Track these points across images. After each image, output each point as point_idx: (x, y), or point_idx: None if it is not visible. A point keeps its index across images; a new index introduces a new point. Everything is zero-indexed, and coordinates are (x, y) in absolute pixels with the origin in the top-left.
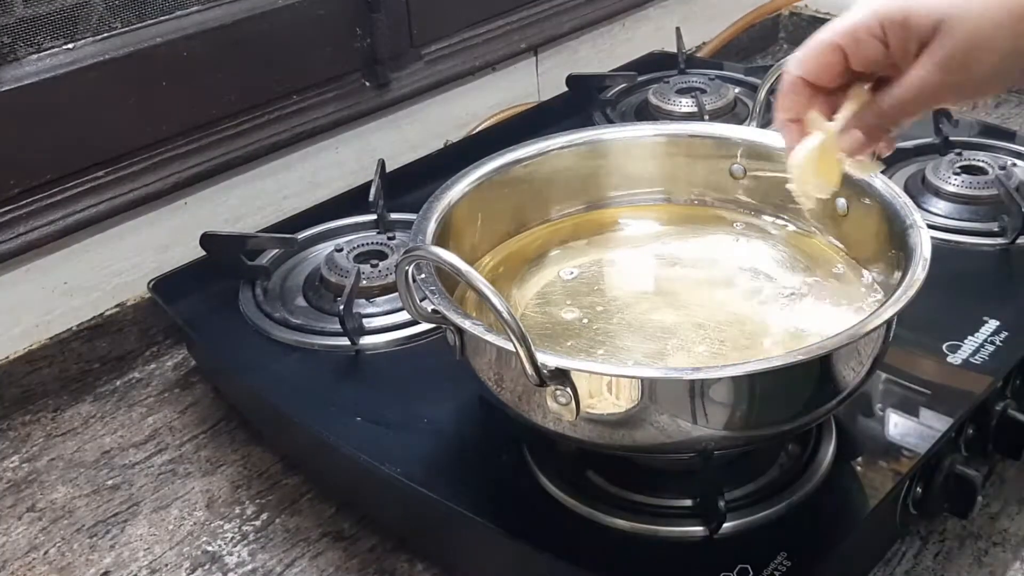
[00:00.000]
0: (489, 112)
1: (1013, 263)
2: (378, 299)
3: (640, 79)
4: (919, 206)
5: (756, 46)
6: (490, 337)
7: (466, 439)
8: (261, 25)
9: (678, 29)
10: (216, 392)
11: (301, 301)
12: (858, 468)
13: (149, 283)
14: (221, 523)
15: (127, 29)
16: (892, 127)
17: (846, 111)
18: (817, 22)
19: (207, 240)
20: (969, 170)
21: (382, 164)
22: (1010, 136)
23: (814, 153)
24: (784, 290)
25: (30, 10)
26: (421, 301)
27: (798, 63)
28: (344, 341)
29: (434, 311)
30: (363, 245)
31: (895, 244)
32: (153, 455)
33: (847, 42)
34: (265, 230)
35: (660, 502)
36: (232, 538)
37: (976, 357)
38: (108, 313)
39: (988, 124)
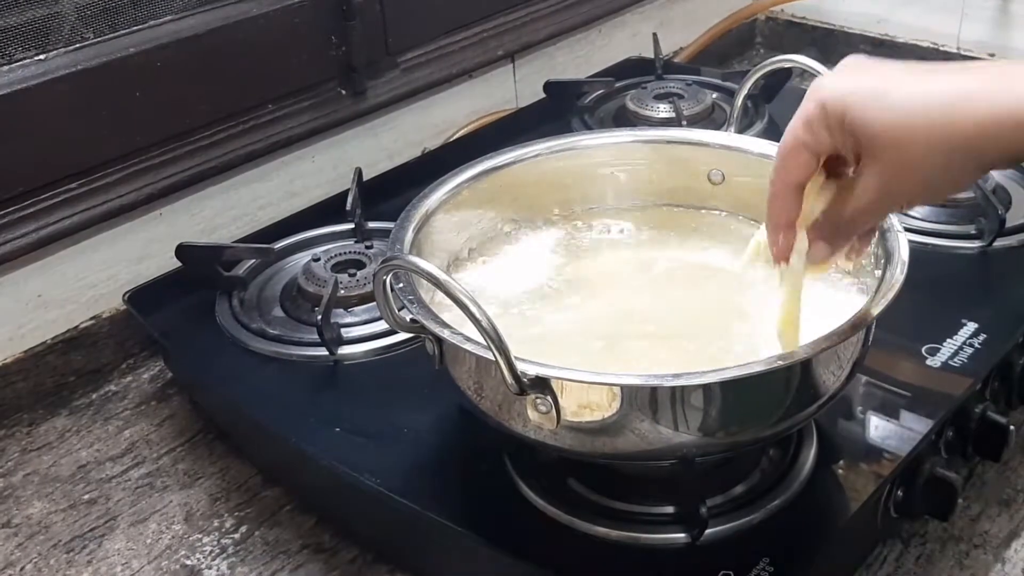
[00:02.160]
0: (466, 119)
1: (990, 265)
2: (356, 308)
3: (617, 85)
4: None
5: (733, 51)
6: (469, 346)
7: (446, 449)
8: (235, 34)
9: (655, 35)
10: (193, 404)
11: (278, 311)
12: (839, 472)
13: (124, 295)
14: (200, 536)
15: (99, 40)
16: (851, 236)
17: (805, 207)
18: (794, 27)
19: (182, 251)
20: None
21: (359, 172)
22: None
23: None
24: (762, 294)
25: (1, 21)
26: (399, 310)
27: (776, 172)
28: (322, 351)
29: (413, 320)
30: (340, 254)
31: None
32: (130, 469)
33: (809, 136)
34: (241, 240)
35: (642, 509)
36: (211, 551)
37: (955, 360)
38: (83, 326)
39: None
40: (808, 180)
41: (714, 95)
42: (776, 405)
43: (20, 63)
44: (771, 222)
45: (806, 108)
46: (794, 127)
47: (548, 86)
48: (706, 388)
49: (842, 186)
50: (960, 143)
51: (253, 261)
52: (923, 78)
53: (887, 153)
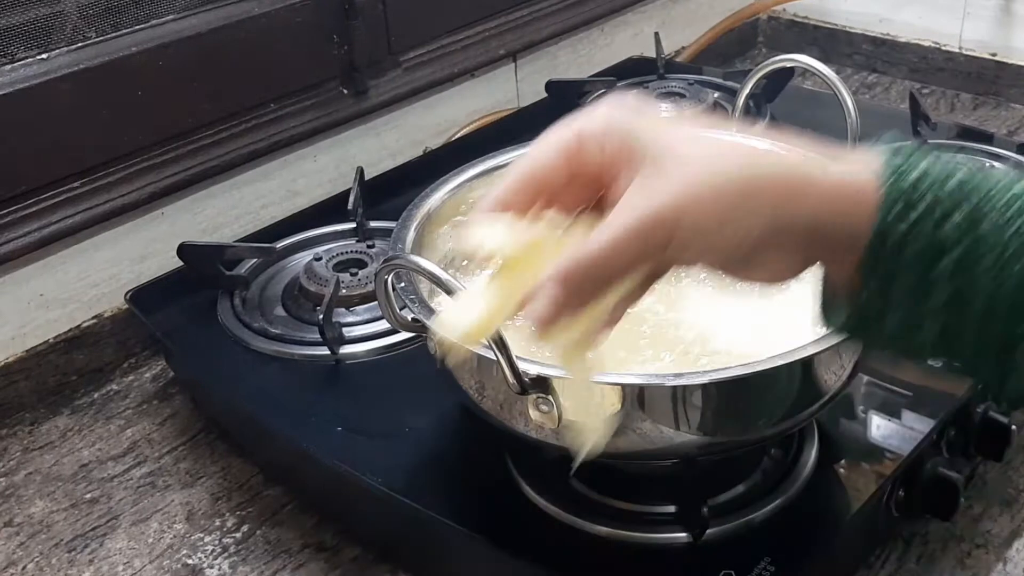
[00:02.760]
0: (468, 119)
1: None
2: (358, 308)
3: (619, 84)
4: None
5: (735, 50)
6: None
7: (448, 448)
8: (237, 33)
9: (657, 34)
10: (195, 403)
11: (280, 311)
12: (841, 471)
13: (126, 294)
14: (201, 536)
15: (101, 39)
16: (592, 293)
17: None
18: (795, 26)
19: (184, 250)
20: None
21: (361, 172)
22: (988, 138)
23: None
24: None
25: (3, 20)
26: (401, 310)
27: (529, 156)
28: (324, 351)
29: (414, 320)
30: (342, 254)
31: None
32: (132, 468)
33: (575, 143)
34: (243, 239)
35: (643, 509)
36: (212, 551)
37: None
38: (85, 325)
39: (966, 126)
40: (546, 182)
41: (716, 94)
42: (777, 405)
43: (22, 62)
44: (489, 198)
45: (581, 121)
46: (559, 132)
47: (550, 85)
48: (707, 388)
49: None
50: (757, 165)
51: (255, 260)
52: (715, 132)
53: (672, 166)
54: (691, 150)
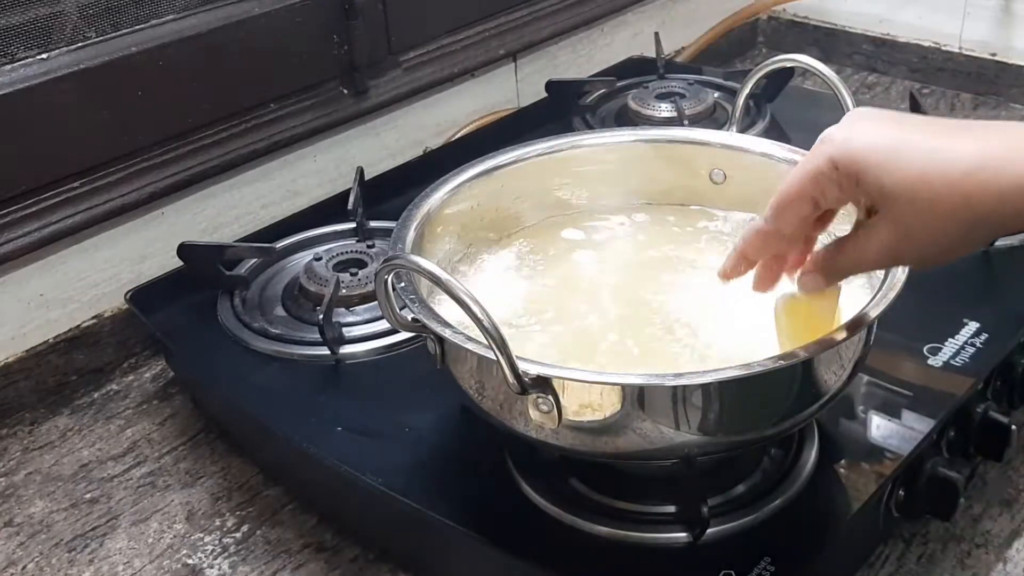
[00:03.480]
0: (468, 119)
1: (992, 265)
2: (358, 308)
3: (619, 84)
4: None
5: (735, 51)
6: (471, 345)
7: (448, 448)
8: (237, 33)
9: (657, 34)
10: (195, 403)
11: (280, 311)
12: (841, 471)
13: (126, 294)
14: (201, 536)
15: (102, 39)
16: (846, 276)
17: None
18: (795, 26)
19: (184, 250)
20: None
21: (361, 172)
22: None
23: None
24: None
25: (3, 20)
26: (401, 310)
27: (773, 215)
28: (324, 351)
29: (414, 320)
30: (342, 254)
31: None
32: (132, 468)
33: (816, 191)
34: (243, 239)
35: (643, 509)
36: (212, 551)
37: (957, 359)
38: (85, 325)
39: None
40: (803, 228)
41: (716, 95)
42: (777, 405)
43: (22, 62)
44: (750, 252)
45: (815, 163)
46: (800, 178)
47: (550, 85)
48: (707, 388)
49: (855, 227)
50: (981, 213)
51: (255, 260)
52: (941, 137)
53: (902, 215)
54: (911, 197)
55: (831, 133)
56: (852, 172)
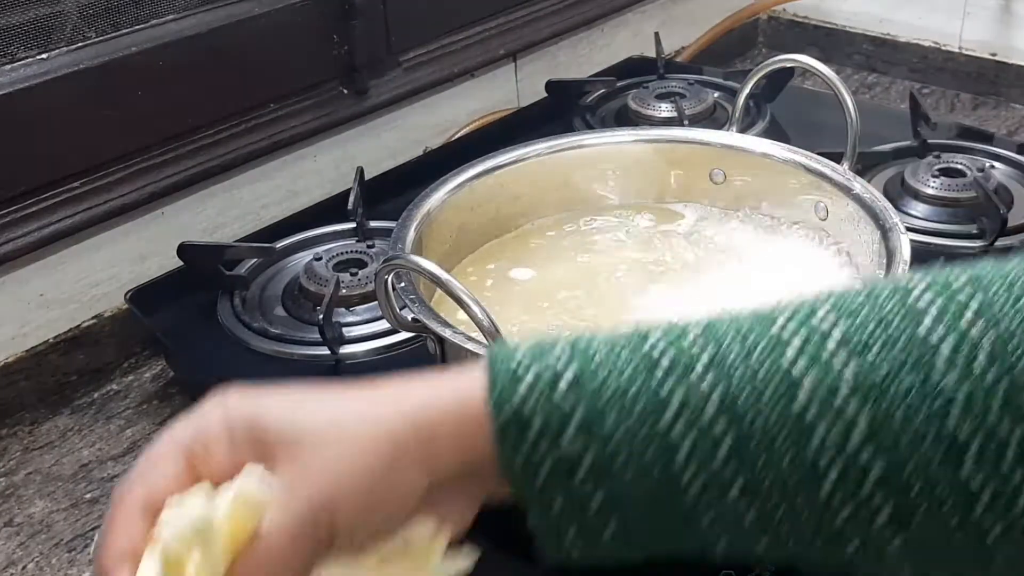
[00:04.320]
0: (468, 119)
1: None
2: (358, 308)
3: (619, 84)
4: (898, 209)
5: (735, 51)
6: (471, 345)
7: None
8: (237, 33)
9: (657, 34)
10: (195, 403)
11: (280, 311)
12: None
13: (126, 294)
14: None
15: (101, 39)
16: None
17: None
18: (795, 26)
19: (184, 250)
20: (948, 172)
21: (361, 172)
22: (988, 138)
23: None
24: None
25: (3, 20)
26: (401, 310)
27: (132, 483)
28: (324, 351)
29: (414, 320)
30: (342, 253)
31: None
32: (132, 468)
33: (198, 448)
34: (243, 239)
35: None
36: None
37: None
38: (85, 325)
39: (966, 126)
40: (165, 497)
41: (716, 95)
42: None
43: (22, 62)
44: (109, 553)
45: (200, 413)
46: (179, 432)
47: (550, 85)
48: None
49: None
50: (398, 436)
51: (255, 260)
52: (335, 393)
53: (313, 449)
54: (322, 433)
55: (203, 408)
56: (246, 418)
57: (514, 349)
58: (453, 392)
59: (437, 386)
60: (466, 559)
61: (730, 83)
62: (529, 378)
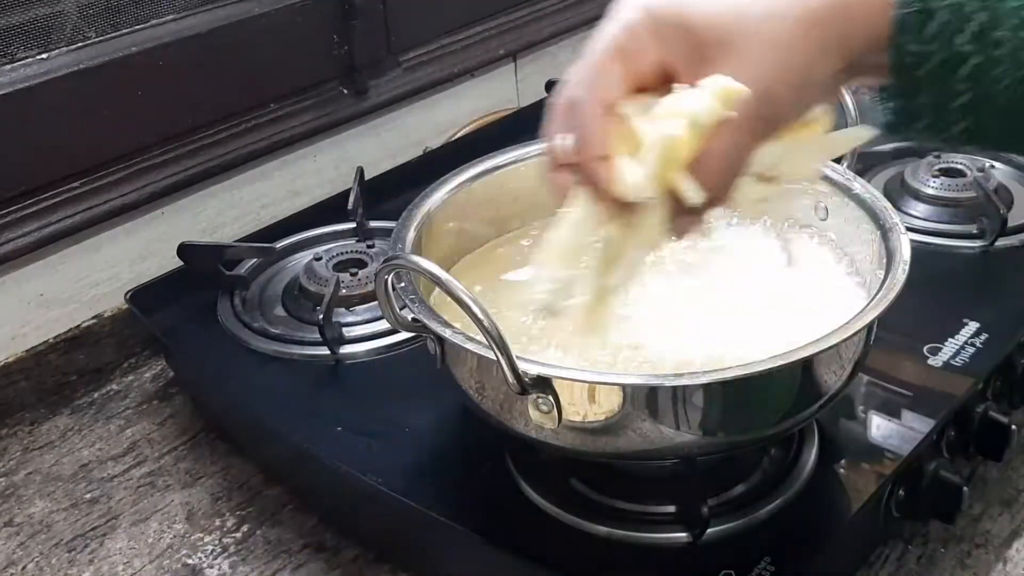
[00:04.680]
0: (468, 119)
1: (992, 265)
2: (358, 308)
3: None
4: (898, 209)
5: None
6: (471, 346)
7: (448, 448)
8: (237, 33)
9: None
10: (195, 403)
11: (280, 311)
12: (841, 471)
13: (126, 294)
14: (201, 536)
15: (101, 39)
16: (729, 175)
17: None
18: None
19: (184, 250)
20: (948, 172)
21: (361, 172)
22: None
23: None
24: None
25: (3, 20)
26: (401, 310)
27: (585, 89)
28: (324, 351)
29: (414, 320)
30: (342, 254)
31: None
32: (132, 468)
33: (631, 46)
34: (243, 239)
35: (643, 509)
36: (212, 551)
37: (957, 359)
38: (85, 325)
39: None
40: (619, 99)
41: None
42: (778, 405)
43: (22, 62)
44: (586, 152)
45: (625, 16)
46: (611, 36)
47: (550, 85)
48: (707, 388)
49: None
50: (819, 15)
51: (255, 260)
52: None
53: (745, 41)
54: (754, 29)
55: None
56: (672, 15)
57: None
58: None
59: None
60: (866, 131)
61: None
62: None
